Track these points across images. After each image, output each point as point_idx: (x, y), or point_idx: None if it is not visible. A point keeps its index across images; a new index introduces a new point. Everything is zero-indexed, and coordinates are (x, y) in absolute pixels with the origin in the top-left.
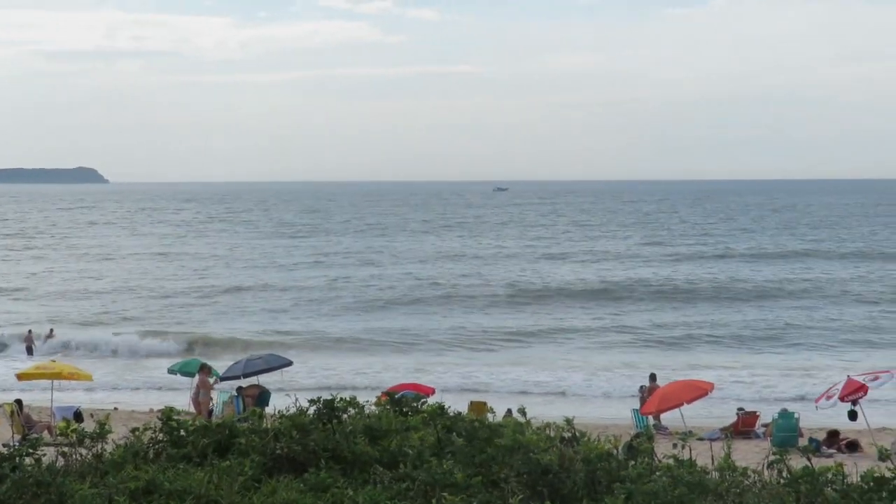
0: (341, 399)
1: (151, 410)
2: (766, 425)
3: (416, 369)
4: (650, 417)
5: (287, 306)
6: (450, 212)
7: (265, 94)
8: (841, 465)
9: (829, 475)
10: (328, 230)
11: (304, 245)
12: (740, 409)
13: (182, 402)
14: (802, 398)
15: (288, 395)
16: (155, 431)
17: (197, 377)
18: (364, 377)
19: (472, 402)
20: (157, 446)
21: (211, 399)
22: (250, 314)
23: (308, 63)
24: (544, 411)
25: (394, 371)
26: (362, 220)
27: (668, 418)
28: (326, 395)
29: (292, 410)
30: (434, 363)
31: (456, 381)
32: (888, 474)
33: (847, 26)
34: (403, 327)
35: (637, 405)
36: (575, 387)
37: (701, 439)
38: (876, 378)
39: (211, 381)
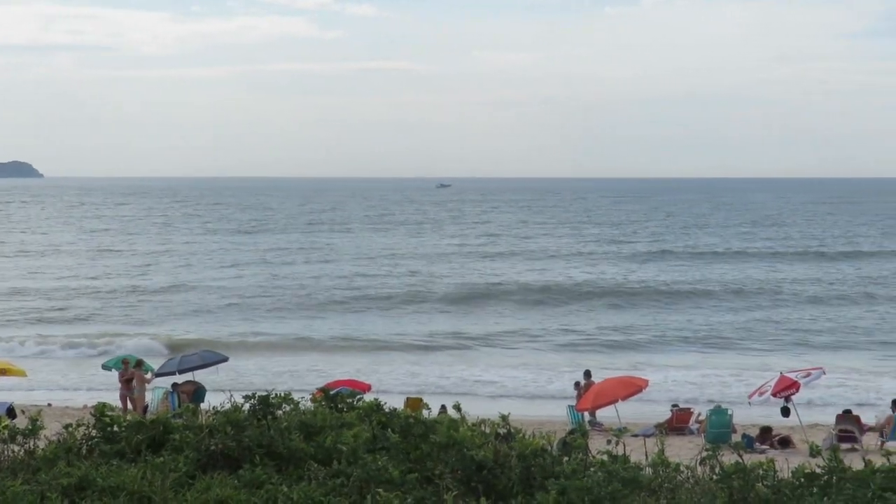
0: (276, 395)
1: (85, 407)
2: (700, 421)
3: (356, 370)
4: (586, 414)
5: (224, 304)
6: (393, 209)
7: (202, 90)
8: (772, 460)
9: (761, 471)
10: (268, 227)
11: (244, 242)
12: (674, 405)
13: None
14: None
15: (223, 392)
16: (88, 428)
17: (131, 373)
18: (298, 378)
19: (408, 399)
20: (90, 442)
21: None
22: (191, 313)
23: (245, 58)
24: (483, 409)
25: (337, 370)
26: (303, 217)
27: (604, 415)
28: (261, 392)
29: (227, 407)
30: (378, 362)
31: (398, 380)
32: (819, 470)
33: (780, 27)
34: (345, 327)
35: (573, 402)
36: (516, 385)
37: (636, 435)
38: (808, 375)
39: (147, 376)
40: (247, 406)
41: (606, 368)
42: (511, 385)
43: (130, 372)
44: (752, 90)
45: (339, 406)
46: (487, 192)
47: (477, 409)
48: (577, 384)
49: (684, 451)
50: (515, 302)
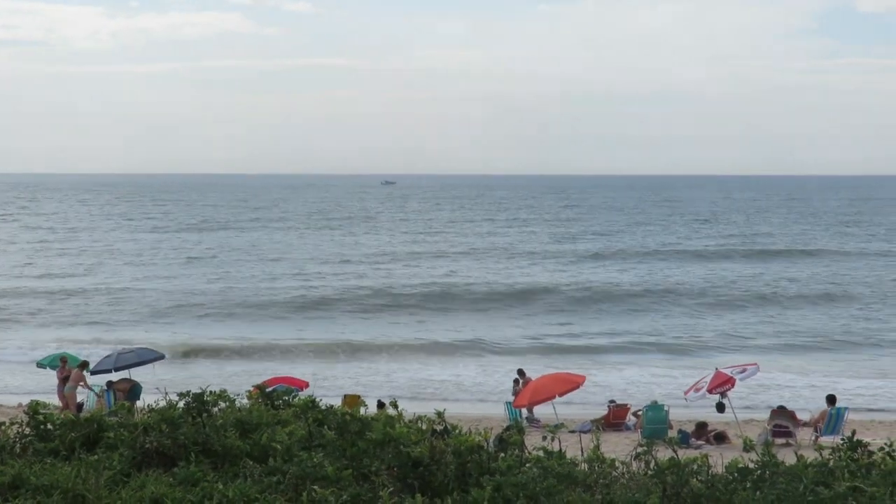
0: (211, 392)
1: (20, 405)
2: (637, 415)
3: (302, 374)
4: (524, 410)
5: (164, 307)
6: (337, 206)
7: (138, 86)
8: (706, 456)
9: (695, 466)
10: (205, 226)
11: (181, 240)
12: (611, 401)
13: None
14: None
15: (158, 390)
16: (21, 426)
17: (68, 370)
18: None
19: (345, 396)
20: (23, 441)
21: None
22: (131, 315)
23: (182, 54)
24: (422, 407)
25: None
26: (246, 214)
27: (543, 412)
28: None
29: (162, 404)
30: (324, 367)
31: (345, 382)
32: (752, 465)
33: (717, 26)
34: (294, 329)
35: (511, 398)
36: (458, 383)
37: (572, 432)
38: (743, 371)
39: (85, 374)
40: (182, 404)
41: (552, 369)
42: (451, 381)
43: (68, 370)
44: (689, 88)
45: (276, 403)
46: (432, 188)
47: (411, 406)
48: (515, 381)
49: (621, 446)
50: (459, 298)
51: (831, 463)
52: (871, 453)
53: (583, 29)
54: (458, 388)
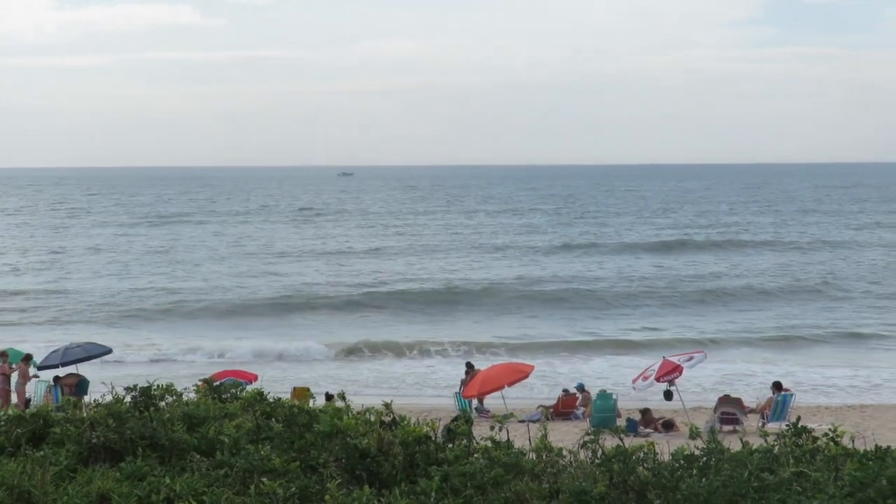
0: (158, 386)
1: None
2: (584, 398)
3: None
4: (474, 401)
5: (121, 310)
6: (294, 198)
7: (84, 78)
8: (652, 443)
9: (641, 454)
10: (154, 220)
11: (137, 235)
12: (564, 390)
13: None
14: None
15: (104, 384)
16: None
17: (8, 367)
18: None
19: (294, 388)
20: None
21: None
22: (76, 313)
23: (129, 46)
24: (372, 399)
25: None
26: (205, 207)
27: (493, 403)
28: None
29: (109, 399)
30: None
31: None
32: (698, 452)
33: (663, 15)
34: (255, 326)
35: (460, 389)
36: (412, 375)
37: (522, 421)
38: (690, 358)
39: (31, 371)
40: (129, 398)
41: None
42: (405, 373)
43: (9, 366)
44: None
45: (223, 397)
46: (388, 179)
47: (361, 399)
48: (467, 372)
49: (570, 435)
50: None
51: (776, 449)
52: (815, 439)
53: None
54: (423, 381)
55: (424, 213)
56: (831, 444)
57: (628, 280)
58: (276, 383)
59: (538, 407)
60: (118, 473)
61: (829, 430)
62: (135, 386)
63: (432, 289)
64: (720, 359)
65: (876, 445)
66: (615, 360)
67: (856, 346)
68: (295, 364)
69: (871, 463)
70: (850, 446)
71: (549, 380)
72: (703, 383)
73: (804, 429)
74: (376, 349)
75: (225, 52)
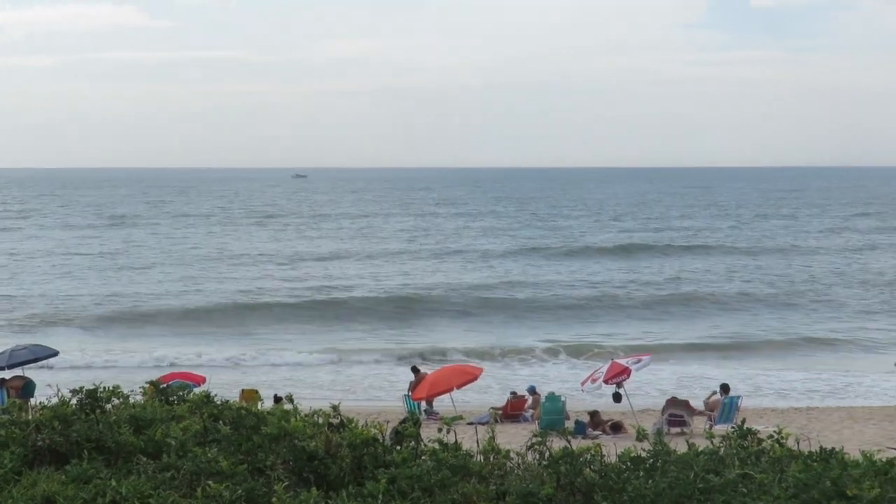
0: (104, 389)
1: None
2: (534, 400)
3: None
4: (423, 403)
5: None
6: (247, 200)
7: (28, 78)
8: (599, 445)
9: (588, 456)
10: (104, 222)
11: (82, 237)
12: (513, 392)
13: None
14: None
15: (50, 387)
16: None
17: None
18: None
19: (243, 390)
20: None
21: None
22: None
23: (74, 47)
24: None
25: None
26: (154, 210)
27: (442, 405)
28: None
29: (54, 401)
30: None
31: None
32: (644, 454)
33: (614, 16)
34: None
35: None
36: (368, 378)
37: (470, 423)
38: (638, 361)
39: None
40: (75, 401)
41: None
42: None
43: None
44: (585, 78)
45: (171, 399)
46: (342, 181)
47: (310, 402)
48: (414, 374)
49: (518, 437)
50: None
51: (722, 451)
52: (760, 441)
53: (482, 20)
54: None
55: (376, 215)
56: (776, 445)
57: (588, 285)
58: (226, 387)
59: (489, 409)
60: (64, 476)
61: (775, 432)
62: (81, 388)
63: (387, 293)
64: (677, 362)
65: (820, 447)
66: (574, 362)
67: (808, 351)
68: (249, 368)
69: (815, 464)
70: (795, 448)
71: (506, 383)
72: (662, 386)
73: (750, 431)
74: (332, 352)
75: (172, 53)
